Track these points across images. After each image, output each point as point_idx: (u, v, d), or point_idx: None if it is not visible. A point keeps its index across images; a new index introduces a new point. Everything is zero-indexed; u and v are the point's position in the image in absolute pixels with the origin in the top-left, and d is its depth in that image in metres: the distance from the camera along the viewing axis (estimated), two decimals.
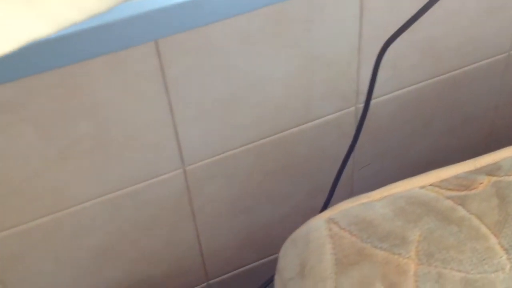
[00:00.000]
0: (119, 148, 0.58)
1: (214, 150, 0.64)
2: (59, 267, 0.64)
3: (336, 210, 0.51)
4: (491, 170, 0.50)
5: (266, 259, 0.79)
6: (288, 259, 0.50)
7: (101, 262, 0.66)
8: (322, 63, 0.62)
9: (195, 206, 0.68)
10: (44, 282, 0.64)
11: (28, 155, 0.54)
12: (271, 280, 0.65)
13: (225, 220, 0.71)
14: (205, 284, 0.78)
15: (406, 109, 0.71)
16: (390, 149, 0.75)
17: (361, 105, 0.68)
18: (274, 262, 0.79)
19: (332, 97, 0.66)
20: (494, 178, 0.49)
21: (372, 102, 0.67)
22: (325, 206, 0.64)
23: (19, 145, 0.53)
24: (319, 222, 0.50)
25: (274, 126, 0.65)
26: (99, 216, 0.62)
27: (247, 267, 0.79)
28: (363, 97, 0.67)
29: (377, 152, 0.74)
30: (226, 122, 0.62)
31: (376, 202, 0.50)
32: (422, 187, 0.50)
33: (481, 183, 0.49)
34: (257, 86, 0.61)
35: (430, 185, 0.50)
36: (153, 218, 0.66)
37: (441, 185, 0.49)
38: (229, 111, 0.61)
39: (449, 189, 0.48)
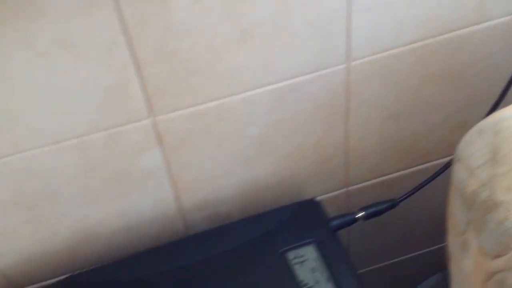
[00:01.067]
0: (294, 35, 0.58)
1: (380, 46, 0.63)
2: (219, 153, 0.66)
3: None
4: None
5: (407, 171, 0.79)
6: (474, 148, 0.49)
7: (255, 153, 0.68)
8: None
9: (351, 105, 0.68)
10: (203, 167, 0.67)
11: (212, 33, 0.55)
12: (447, 167, 0.64)
13: (375, 124, 0.71)
14: (344, 190, 0.79)
15: None
16: None
17: None
18: (417, 173, 0.79)
19: None
20: None
21: None
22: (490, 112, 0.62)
23: (206, 21, 0.54)
24: (509, 113, 0.49)
25: (443, 25, 0.63)
26: (262, 106, 0.63)
27: (388, 176, 0.79)
28: None
29: None
30: (397, 17, 0.61)
31: None
32: None
33: None
34: None
35: None
36: (309, 114, 0.67)
37: None
38: (402, 4, 0.60)
39: None
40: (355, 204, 0.80)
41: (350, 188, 0.79)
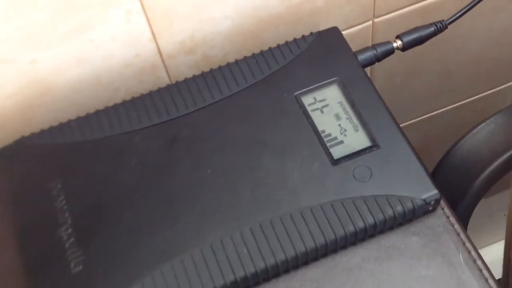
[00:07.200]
0: None
1: None
2: None
3: None
4: None
5: None
6: None
7: None
8: None
9: None
10: None
11: None
12: None
13: None
14: (369, 22, 0.62)
15: None
16: None
17: None
18: None
19: None
20: None
21: None
22: None
23: None
24: None
25: None
26: None
27: (426, 2, 0.62)
28: None
29: None
30: None
31: None
32: None
33: None
34: None
35: None
36: None
37: None
38: None
39: None
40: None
41: (377, 19, 0.62)
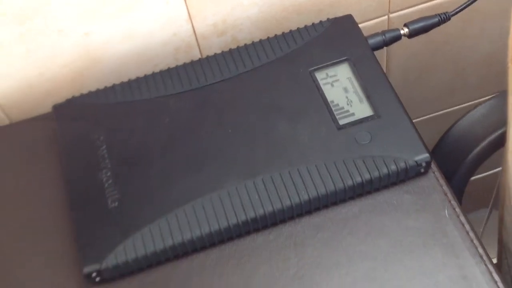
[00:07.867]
0: None
1: None
2: None
3: None
4: None
5: None
6: None
7: None
8: None
9: None
10: None
11: None
12: None
13: None
14: (385, 17, 0.69)
15: None
16: None
17: None
18: None
19: None
20: None
21: None
22: None
23: None
24: None
25: None
26: None
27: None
28: None
29: None
30: None
31: None
32: None
33: None
34: None
35: None
36: None
37: None
38: None
39: None
40: None
41: (392, 15, 0.68)
